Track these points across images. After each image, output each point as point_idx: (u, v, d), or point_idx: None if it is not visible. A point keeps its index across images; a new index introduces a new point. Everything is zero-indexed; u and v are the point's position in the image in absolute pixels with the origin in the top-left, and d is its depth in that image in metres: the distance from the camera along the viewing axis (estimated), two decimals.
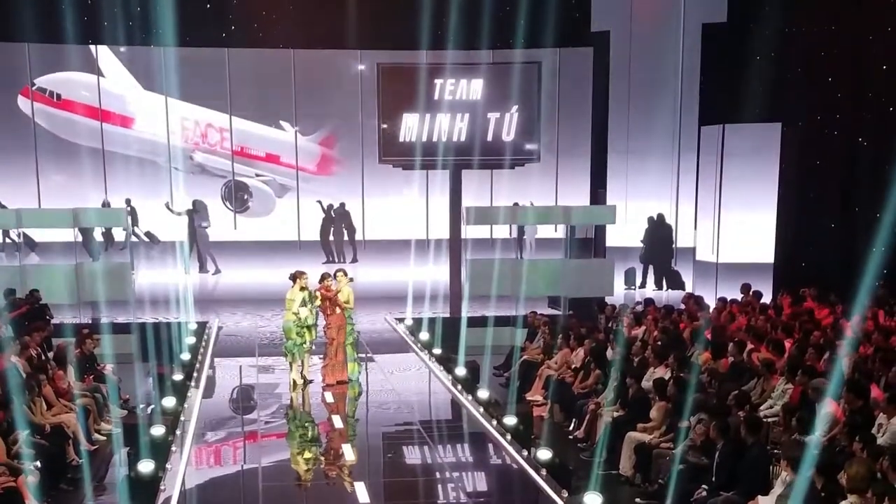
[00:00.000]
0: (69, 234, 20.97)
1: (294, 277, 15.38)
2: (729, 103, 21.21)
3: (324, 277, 15.68)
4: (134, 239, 24.30)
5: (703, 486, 9.79)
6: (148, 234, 25.97)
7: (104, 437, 12.79)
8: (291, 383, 15.59)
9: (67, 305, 19.16)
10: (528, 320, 17.56)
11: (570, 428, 13.39)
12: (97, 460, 12.09)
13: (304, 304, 15.30)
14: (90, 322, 18.19)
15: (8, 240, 24.32)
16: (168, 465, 11.32)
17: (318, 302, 15.45)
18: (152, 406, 13.69)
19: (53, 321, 17.39)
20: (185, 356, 16.40)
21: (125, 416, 13.49)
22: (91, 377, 13.88)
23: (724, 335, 14.73)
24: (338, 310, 15.48)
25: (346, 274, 15.80)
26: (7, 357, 13.12)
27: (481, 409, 13.95)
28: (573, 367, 14.67)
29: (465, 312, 19.25)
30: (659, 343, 14.31)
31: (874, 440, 9.22)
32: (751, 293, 18.39)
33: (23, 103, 25.44)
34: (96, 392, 13.41)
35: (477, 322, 18.41)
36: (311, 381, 15.71)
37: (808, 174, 21.12)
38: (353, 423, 14.27)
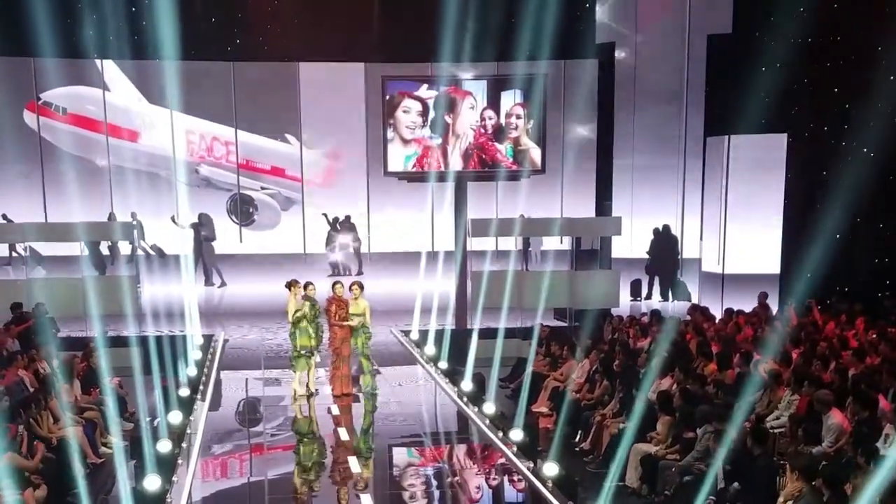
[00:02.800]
0: (75, 248, 20.98)
1: (289, 285, 15.47)
2: (735, 114, 21.15)
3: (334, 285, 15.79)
4: (140, 252, 24.32)
5: (711, 496, 9.77)
6: (154, 247, 25.97)
7: (110, 451, 12.79)
8: (293, 393, 15.60)
9: (74, 319, 19.17)
10: (540, 333, 17.48)
11: (577, 439, 13.36)
12: (104, 474, 12.11)
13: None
14: (96, 335, 18.16)
15: (14, 254, 24.32)
16: (174, 479, 11.28)
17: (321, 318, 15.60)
18: (158, 419, 13.65)
19: (59, 334, 17.40)
20: (191, 369, 16.42)
21: (131, 430, 13.54)
22: (97, 390, 13.89)
23: (730, 346, 14.69)
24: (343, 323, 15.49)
25: (342, 286, 15.88)
26: (14, 371, 13.16)
27: (487, 421, 13.91)
28: (579, 379, 14.65)
29: (474, 324, 19.18)
30: (665, 354, 14.28)
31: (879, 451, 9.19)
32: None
33: (28, 118, 25.49)
34: (102, 405, 13.41)
35: (483, 334, 18.33)
36: (316, 393, 15.70)
37: (815, 185, 21.06)
38: (360, 435, 14.25)
